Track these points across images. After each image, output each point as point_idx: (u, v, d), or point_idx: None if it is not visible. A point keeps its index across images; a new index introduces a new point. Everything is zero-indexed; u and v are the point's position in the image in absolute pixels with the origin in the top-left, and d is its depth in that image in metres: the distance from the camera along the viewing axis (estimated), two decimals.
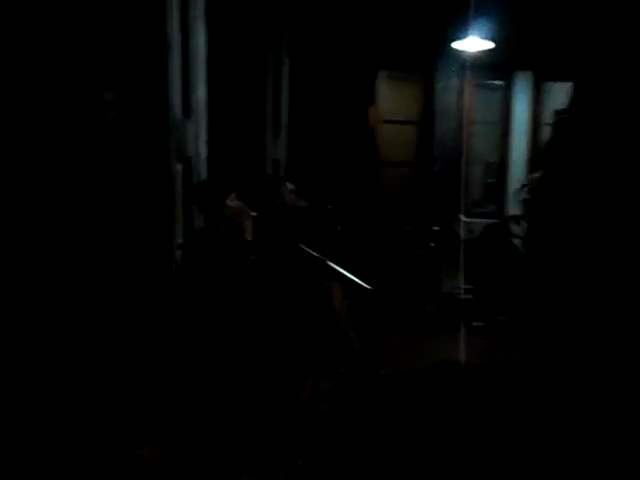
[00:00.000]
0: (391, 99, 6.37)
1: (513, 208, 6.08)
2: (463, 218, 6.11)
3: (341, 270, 2.93)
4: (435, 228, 5.76)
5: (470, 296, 4.97)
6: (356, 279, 2.97)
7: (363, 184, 6.25)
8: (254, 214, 3.08)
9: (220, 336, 3.15)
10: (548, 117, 6.01)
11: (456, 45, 5.41)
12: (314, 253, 2.89)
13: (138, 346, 3.32)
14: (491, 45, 5.33)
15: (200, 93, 3.51)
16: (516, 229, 5.37)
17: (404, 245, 5.42)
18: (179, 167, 3.56)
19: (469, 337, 4.58)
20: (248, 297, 3.03)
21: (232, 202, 3.10)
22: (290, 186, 3.90)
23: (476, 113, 6.23)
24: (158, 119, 3.46)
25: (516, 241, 5.18)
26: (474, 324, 4.67)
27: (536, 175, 5.34)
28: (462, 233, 5.98)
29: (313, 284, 3.53)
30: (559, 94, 6.45)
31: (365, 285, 3.02)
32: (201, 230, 3.22)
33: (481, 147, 6.45)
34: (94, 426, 2.83)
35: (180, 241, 3.57)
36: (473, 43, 5.33)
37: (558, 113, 5.33)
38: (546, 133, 6.11)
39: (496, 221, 5.68)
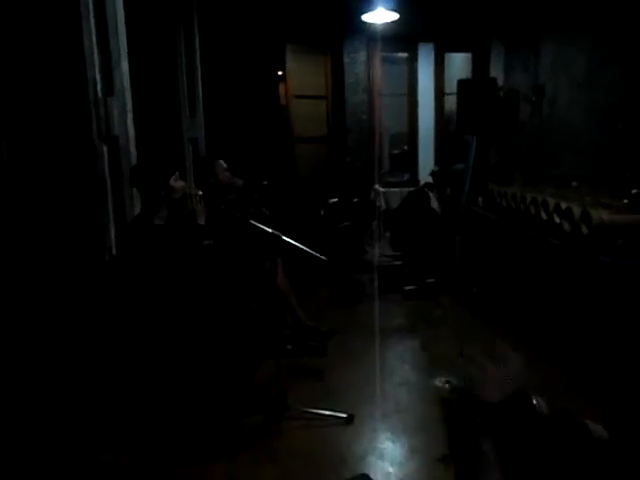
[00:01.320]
0: (301, 74, 6.33)
1: (426, 176, 6.34)
2: (380, 189, 6.27)
3: (297, 244, 2.89)
4: (355, 200, 5.88)
5: (399, 262, 5.14)
6: (312, 251, 2.95)
7: (279, 161, 6.18)
8: (200, 193, 2.94)
9: (167, 326, 3.00)
10: (450, 87, 6.31)
11: (364, 17, 5.48)
12: (268, 229, 2.81)
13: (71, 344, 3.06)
14: (396, 16, 5.44)
15: (123, 68, 3.25)
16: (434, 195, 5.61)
17: (329, 219, 5.47)
18: (105, 149, 3.30)
19: (403, 300, 4.79)
20: (202, 284, 2.91)
21: (176, 183, 2.93)
22: (224, 164, 3.77)
23: (385, 85, 6.38)
24: (76, 96, 3.17)
25: (435, 206, 5.42)
26: (406, 288, 4.85)
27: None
28: (381, 203, 6.14)
29: (256, 263, 3.47)
30: (459, 64, 6.81)
31: (321, 257, 3.01)
32: (141, 216, 3.02)
33: (391, 118, 6.63)
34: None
35: (113, 231, 3.33)
36: (380, 15, 5.42)
37: (460, 82, 5.61)
38: (449, 102, 6.41)
39: (417, 187, 5.89)
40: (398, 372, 3.65)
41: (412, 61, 6.36)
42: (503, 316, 4.25)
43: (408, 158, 6.60)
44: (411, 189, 5.72)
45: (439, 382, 3.35)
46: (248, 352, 3.29)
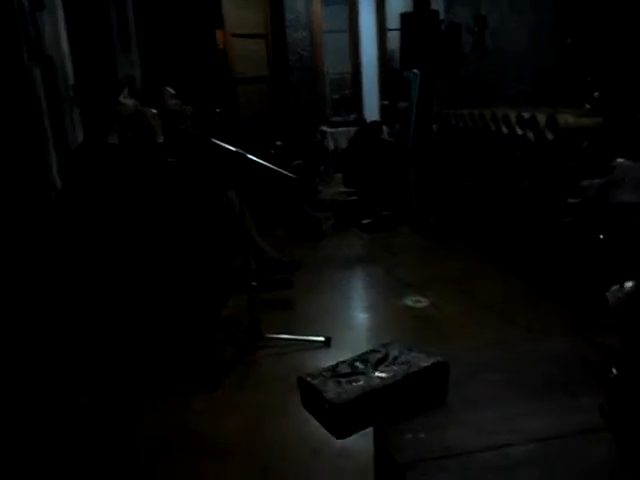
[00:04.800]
0: (239, 12, 5.99)
1: (372, 114, 6.26)
2: (326, 129, 6.14)
3: (262, 162, 2.73)
4: (304, 140, 5.73)
5: (354, 198, 5.08)
6: (278, 169, 2.80)
7: (220, 103, 5.88)
8: (155, 111, 2.70)
9: (130, 257, 2.79)
10: (392, 22, 6.20)
11: None
12: (231, 147, 2.64)
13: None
14: None
15: None
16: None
17: (280, 158, 5.29)
18: (37, 70, 2.96)
19: (362, 233, 4.75)
20: (167, 206, 2.70)
21: (127, 100, 2.67)
22: (170, 91, 3.50)
23: (326, 22, 6.18)
24: None
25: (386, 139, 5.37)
26: (363, 222, 4.80)
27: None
28: (329, 143, 6.02)
29: (215, 195, 3.29)
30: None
31: (288, 174, 2.87)
32: (89, 139, 2.74)
33: (333, 56, 6.46)
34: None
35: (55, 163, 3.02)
36: None
37: (402, 15, 5.50)
38: (391, 39, 6.30)
39: (368, 122, 5.80)
40: (367, 296, 3.63)
41: None
42: (463, 239, 4.30)
43: (353, 97, 6.49)
44: (358, 128, 5.63)
45: (409, 301, 3.34)
46: (214, 282, 3.13)
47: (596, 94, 2.86)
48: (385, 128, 5.52)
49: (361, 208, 4.96)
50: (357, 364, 0.99)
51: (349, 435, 0.90)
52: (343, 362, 1.01)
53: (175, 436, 2.18)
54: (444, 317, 3.09)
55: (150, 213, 2.69)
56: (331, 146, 6.03)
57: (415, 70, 5.31)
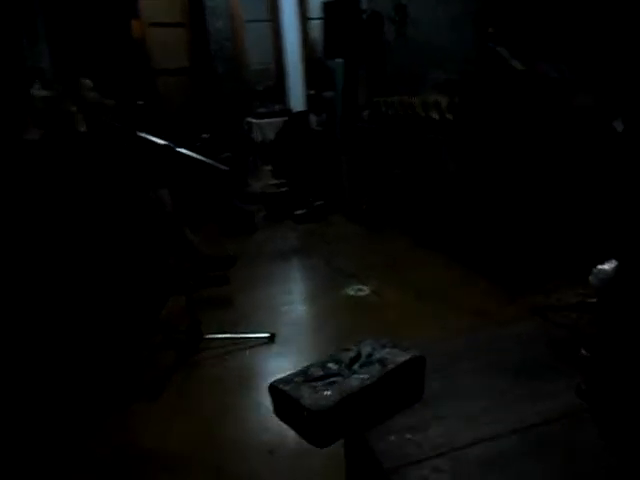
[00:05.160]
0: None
1: (298, 105, 6.18)
2: (252, 120, 6.00)
3: (193, 154, 2.60)
4: (231, 132, 5.58)
5: (285, 189, 5.00)
6: (210, 161, 2.68)
7: (140, 96, 5.61)
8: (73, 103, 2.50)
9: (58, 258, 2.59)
10: (313, 11, 6.14)
11: None
12: (159, 140, 2.49)
13: None
14: None
15: None
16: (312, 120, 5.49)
17: (207, 151, 5.12)
18: None
19: (295, 225, 4.69)
20: (90, 203, 2.51)
21: (39, 91, 2.45)
22: (88, 83, 3.26)
23: (246, 11, 6.02)
24: None
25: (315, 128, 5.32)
26: (296, 213, 4.75)
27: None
28: (256, 135, 5.90)
29: (141, 192, 3.12)
30: None
31: (221, 167, 2.76)
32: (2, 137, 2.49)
33: (256, 45, 6.31)
34: None
35: None
36: None
37: (324, 4, 5.46)
38: (313, 28, 6.24)
39: (295, 112, 5.72)
40: (307, 288, 3.59)
41: None
42: (397, 225, 4.35)
43: (277, 87, 6.38)
44: (286, 119, 5.55)
45: (351, 290, 3.33)
46: (148, 284, 2.98)
47: None
48: (313, 117, 5.47)
49: (293, 199, 4.90)
50: (330, 365, 0.93)
51: (331, 443, 0.84)
52: (314, 364, 0.95)
53: (122, 455, 2.04)
54: (387, 305, 3.10)
55: (73, 213, 2.49)
56: (258, 138, 5.90)
57: (339, 59, 5.30)
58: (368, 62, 5.53)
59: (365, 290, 3.33)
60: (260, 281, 3.61)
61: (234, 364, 2.63)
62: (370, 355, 0.92)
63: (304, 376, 0.90)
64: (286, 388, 0.87)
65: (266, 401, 2.10)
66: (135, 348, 2.73)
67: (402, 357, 0.89)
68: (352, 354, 0.94)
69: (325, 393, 0.83)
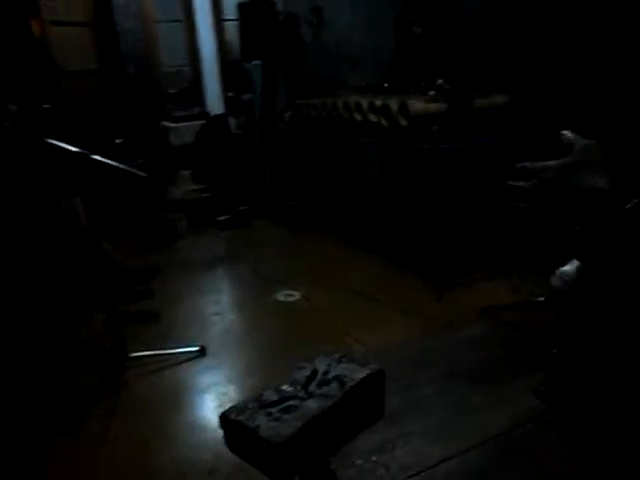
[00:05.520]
0: None
1: (216, 106, 6.03)
2: (169, 124, 5.79)
3: (109, 161, 2.44)
4: (146, 137, 5.34)
5: (207, 195, 4.85)
6: (128, 168, 2.53)
7: (47, 99, 5.24)
8: None
9: None
10: (229, 12, 6.01)
11: None
12: (72, 148, 2.31)
13: None
14: None
15: None
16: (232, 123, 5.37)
17: (121, 158, 4.86)
18: None
19: (219, 231, 4.56)
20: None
21: None
22: None
23: (158, 10, 5.79)
24: None
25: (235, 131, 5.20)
26: (220, 219, 4.62)
27: None
28: (173, 139, 5.69)
29: (51, 203, 2.89)
30: None
31: (139, 173, 2.61)
32: None
33: (170, 46, 6.08)
34: None
35: None
36: None
37: (240, 5, 5.37)
38: (229, 29, 6.12)
39: (214, 115, 5.56)
40: (236, 296, 3.48)
41: None
42: (323, 227, 4.33)
43: (193, 90, 6.18)
44: (204, 122, 5.39)
45: (281, 296, 3.27)
46: (63, 302, 2.75)
47: (440, 81, 3.01)
48: (232, 120, 5.35)
49: (216, 205, 4.76)
50: (284, 388, 0.86)
51: (294, 476, 0.77)
52: (267, 388, 0.88)
53: None
54: (319, 308, 3.06)
55: None
56: (175, 142, 5.69)
57: (256, 61, 5.22)
58: (286, 64, 5.49)
59: (295, 295, 3.27)
60: (186, 292, 3.46)
61: (164, 382, 2.48)
62: (326, 372, 0.86)
63: (258, 402, 0.82)
64: (240, 418, 0.79)
65: (201, 419, 2.00)
66: (52, 374, 2.51)
67: (361, 373, 0.84)
68: (307, 373, 0.88)
69: (283, 420, 0.76)
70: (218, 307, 3.25)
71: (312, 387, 0.84)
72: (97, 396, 2.36)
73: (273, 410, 0.80)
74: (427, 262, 3.22)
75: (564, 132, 0.68)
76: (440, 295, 3.03)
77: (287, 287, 3.35)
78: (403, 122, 3.00)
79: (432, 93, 3.08)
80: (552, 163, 0.65)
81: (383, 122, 3.14)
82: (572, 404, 0.80)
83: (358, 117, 3.39)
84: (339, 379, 0.84)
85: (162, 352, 2.63)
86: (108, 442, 2.07)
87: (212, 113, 5.92)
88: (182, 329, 2.95)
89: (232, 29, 5.93)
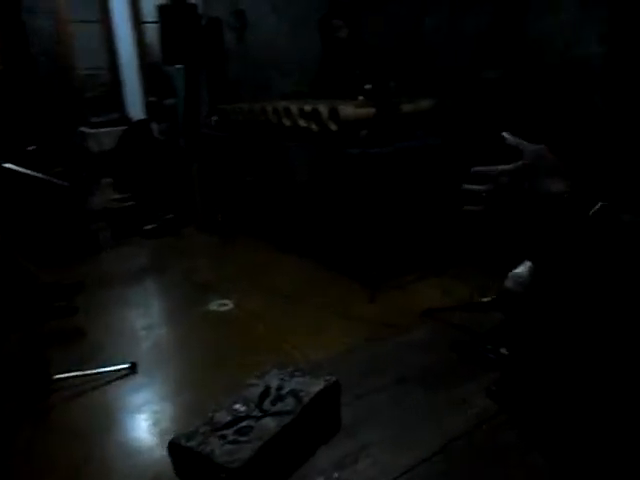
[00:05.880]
0: None
1: (137, 111, 5.82)
2: (87, 130, 5.52)
3: (29, 172, 2.28)
4: (62, 143, 5.06)
5: (131, 203, 4.65)
6: (49, 178, 2.37)
7: None
8: None
9: None
10: (148, 15, 5.83)
11: None
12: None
13: None
14: None
15: None
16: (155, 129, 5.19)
17: (35, 166, 4.57)
18: None
19: (145, 241, 4.38)
20: None
21: None
22: None
23: (73, 10, 5.50)
24: None
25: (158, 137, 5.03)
26: (145, 228, 4.44)
27: None
28: (91, 145, 5.43)
29: None
30: None
31: (61, 183, 2.45)
32: None
33: (87, 48, 5.80)
34: None
35: None
36: None
37: (160, 8, 5.22)
38: (149, 31, 5.94)
39: (135, 121, 5.35)
40: (166, 308, 3.35)
41: None
42: (253, 233, 4.28)
43: (112, 94, 5.93)
44: (125, 128, 5.18)
45: (214, 306, 3.18)
46: None
47: (368, 86, 3.04)
48: (155, 126, 5.17)
49: (141, 214, 4.58)
50: (237, 407, 0.81)
51: None
52: (218, 409, 0.82)
53: None
54: (253, 316, 3.00)
55: None
56: (94, 149, 5.44)
57: (178, 65, 5.09)
58: (209, 68, 5.39)
59: (228, 304, 3.20)
60: (113, 306, 3.29)
61: (94, 404, 2.33)
62: (280, 388, 0.82)
63: (210, 425, 0.77)
64: (191, 444, 0.73)
65: (136, 440, 1.89)
66: None
67: (316, 386, 0.81)
68: (260, 389, 0.84)
69: (239, 443, 0.71)
70: (148, 321, 3.11)
71: (266, 404, 0.80)
72: (17, 425, 2.18)
73: (227, 432, 0.75)
74: (358, 265, 3.25)
75: (505, 135, 0.69)
76: (373, 297, 3.07)
77: (220, 296, 3.27)
78: (333, 127, 3.01)
79: (361, 98, 3.11)
80: (508, 167, 0.65)
81: (313, 127, 3.14)
82: (524, 403, 0.81)
83: (287, 122, 3.36)
84: (294, 394, 0.81)
85: (90, 372, 2.47)
86: (33, 477, 1.92)
87: (134, 118, 5.71)
88: (110, 346, 2.80)
89: (152, 32, 5.75)
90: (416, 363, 0.97)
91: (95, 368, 2.49)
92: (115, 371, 2.50)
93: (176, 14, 5.12)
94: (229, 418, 0.78)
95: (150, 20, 5.81)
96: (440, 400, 0.88)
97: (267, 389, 0.83)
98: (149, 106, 5.89)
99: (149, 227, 4.43)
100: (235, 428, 0.76)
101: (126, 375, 2.50)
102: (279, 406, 0.79)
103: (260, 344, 2.69)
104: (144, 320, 3.11)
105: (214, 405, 0.85)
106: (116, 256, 4.14)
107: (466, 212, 0.67)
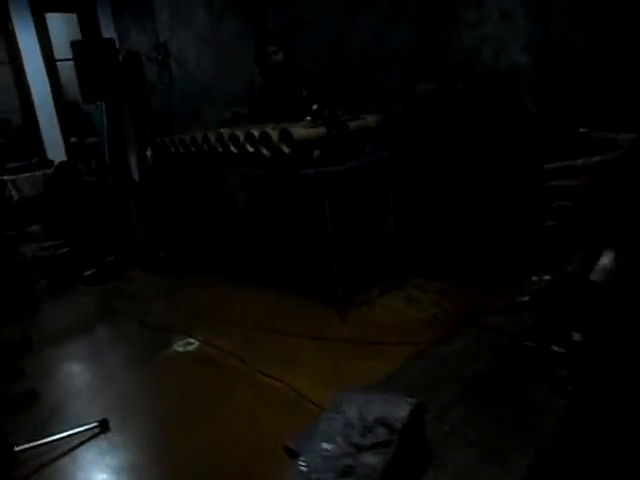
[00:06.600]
0: None
1: (58, 153, 5.51)
2: (4, 177, 5.14)
3: None
4: None
5: (66, 250, 4.34)
6: None
7: None
8: None
9: None
10: (62, 52, 5.58)
11: None
12: None
13: None
14: None
15: None
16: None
17: None
18: None
19: (87, 288, 4.10)
20: None
21: None
22: None
23: None
24: None
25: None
26: (86, 274, 4.16)
27: None
28: (11, 193, 5.07)
29: None
30: (66, 27, 6.04)
31: None
32: None
33: None
34: None
35: None
36: None
37: (74, 44, 5.01)
38: (64, 69, 5.66)
39: (60, 163, 5.04)
40: (129, 356, 3.10)
41: (5, 23, 5.28)
42: (201, 267, 4.13)
43: (27, 138, 5.56)
44: (47, 171, 4.88)
45: (180, 347, 3.00)
46: None
47: (315, 107, 3.02)
48: (81, 167, 4.90)
49: (78, 260, 4.28)
50: (325, 446, 0.72)
51: None
52: (302, 455, 0.73)
53: None
54: (224, 353, 2.85)
55: None
56: (15, 196, 5.06)
57: (98, 102, 4.87)
58: (131, 103, 5.20)
59: (194, 342, 3.03)
60: (65, 363, 3.04)
61: (64, 473, 2.11)
62: (362, 417, 0.75)
63: (304, 476, 0.67)
64: None
65: None
66: None
67: (403, 410, 0.74)
68: (341, 422, 0.75)
69: None
70: (110, 372, 2.88)
71: (355, 438, 0.72)
72: None
73: (327, 477, 0.66)
74: (321, 286, 3.20)
75: (587, 131, 0.66)
76: (343, 316, 3.02)
77: (184, 335, 3.10)
78: (286, 149, 2.96)
79: (308, 119, 3.09)
80: (605, 157, 0.63)
81: (264, 151, 3.07)
82: (608, 398, 0.79)
83: (234, 149, 3.28)
84: (382, 422, 0.73)
85: (55, 437, 2.23)
86: None
87: (55, 161, 5.38)
88: (71, 406, 2.55)
89: (67, 70, 5.48)
90: (469, 373, 0.93)
91: (59, 432, 2.25)
92: (84, 431, 2.28)
93: (91, 50, 4.91)
94: (322, 462, 0.69)
95: (63, 58, 5.54)
96: (514, 408, 0.83)
97: (349, 421, 0.75)
98: (71, 147, 5.60)
99: (89, 272, 4.15)
100: (334, 472, 0.67)
101: (98, 434, 2.29)
102: (370, 438, 0.71)
103: (237, 379, 2.56)
104: (105, 372, 2.88)
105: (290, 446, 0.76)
106: (58, 307, 3.83)
107: (555, 209, 0.64)
